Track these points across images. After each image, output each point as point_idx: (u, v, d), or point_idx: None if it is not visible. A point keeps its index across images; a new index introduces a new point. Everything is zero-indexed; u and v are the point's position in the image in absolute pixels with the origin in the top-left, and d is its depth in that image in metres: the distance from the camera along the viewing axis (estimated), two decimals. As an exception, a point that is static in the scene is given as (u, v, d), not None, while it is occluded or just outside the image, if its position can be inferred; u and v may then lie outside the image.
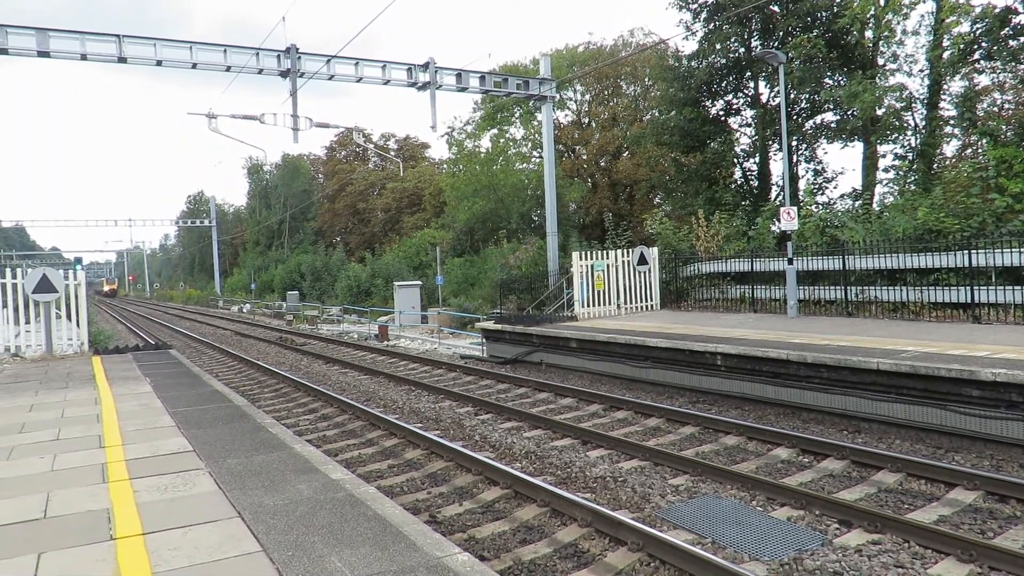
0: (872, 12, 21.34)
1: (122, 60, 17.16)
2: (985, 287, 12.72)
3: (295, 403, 12.51)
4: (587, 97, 39.10)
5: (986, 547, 5.14)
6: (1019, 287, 12.37)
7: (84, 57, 16.83)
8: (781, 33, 24.34)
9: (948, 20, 19.37)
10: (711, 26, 25.87)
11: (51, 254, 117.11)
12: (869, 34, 23.22)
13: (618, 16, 71.40)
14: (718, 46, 26.04)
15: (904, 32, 22.30)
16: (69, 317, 16.16)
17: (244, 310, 47.13)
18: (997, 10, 18.49)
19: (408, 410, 11.28)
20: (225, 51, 18.39)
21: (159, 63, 17.69)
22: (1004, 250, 12.59)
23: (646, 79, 35.86)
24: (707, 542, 5.67)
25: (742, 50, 26.00)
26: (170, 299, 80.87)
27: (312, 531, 4.56)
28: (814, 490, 6.72)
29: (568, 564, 5.44)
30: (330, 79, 19.72)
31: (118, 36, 17.02)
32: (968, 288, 12.79)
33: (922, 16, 26.02)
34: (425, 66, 20.14)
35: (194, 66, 18.10)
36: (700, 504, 6.52)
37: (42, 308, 14.74)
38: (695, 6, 26.33)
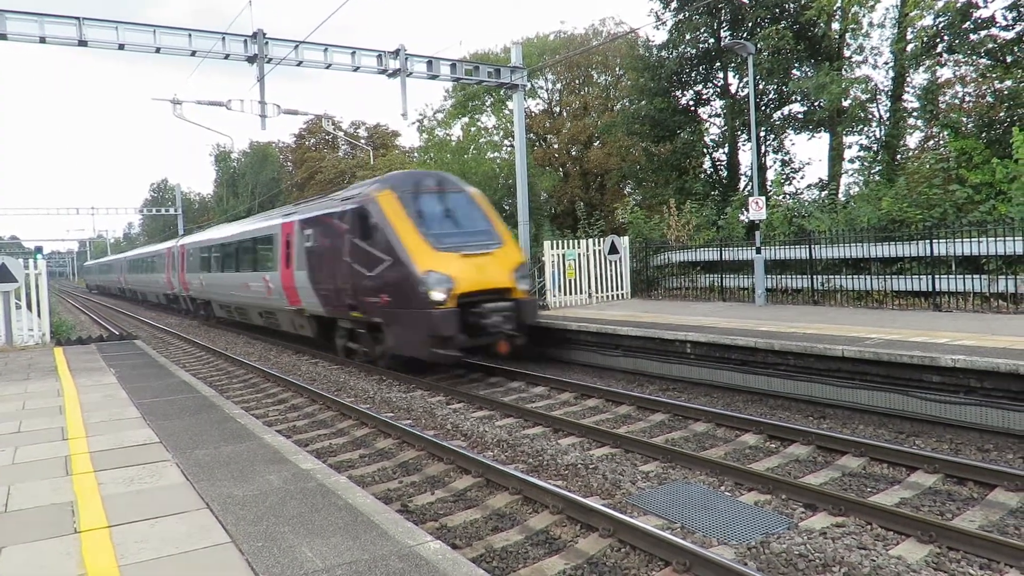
0: (839, 4, 21.63)
1: (82, 43, 16.69)
2: (946, 276, 13.03)
3: (264, 393, 12.37)
4: (558, 86, 39.06)
5: (945, 528, 5.30)
6: (979, 276, 12.70)
7: (43, 40, 16.33)
8: (750, 24, 24.56)
9: (912, 13, 19.71)
10: (681, 16, 25.99)
11: (10, 243, 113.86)
12: (836, 26, 23.55)
13: (589, 4, 71.48)
14: (688, 36, 26.19)
15: (870, 25, 22.68)
16: (30, 307, 15.76)
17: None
18: (959, 4, 18.86)
19: (379, 400, 11.23)
20: (190, 35, 17.98)
21: (121, 47, 17.24)
22: (964, 240, 12.90)
23: (617, 68, 35.94)
24: (677, 527, 5.75)
25: (712, 40, 26.19)
26: (135, 289, 79.09)
27: (282, 521, 4.53)
28: (781, 475, 6.84)
29: (540, 551, 5.48)
30: (298, 65, 19.40)
31: (78, 18, 16.54)
32: (930, 277, 13.09)
33: (887, 9, 26.45)
34: (395, 53, 19.93)
35: (158, 50, 17.68)
36: (670, 490, 6.61)
37: (1, 298, 14.35)
38: (665, -5, 26.44)
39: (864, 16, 22.23)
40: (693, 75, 27.59)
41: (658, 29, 27.50)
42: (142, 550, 4.12)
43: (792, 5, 23.88)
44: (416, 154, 48.30)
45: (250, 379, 13.89)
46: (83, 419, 7.68)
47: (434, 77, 21.32)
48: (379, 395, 11.56)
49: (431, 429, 9.24)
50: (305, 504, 4.87)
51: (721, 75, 27.62)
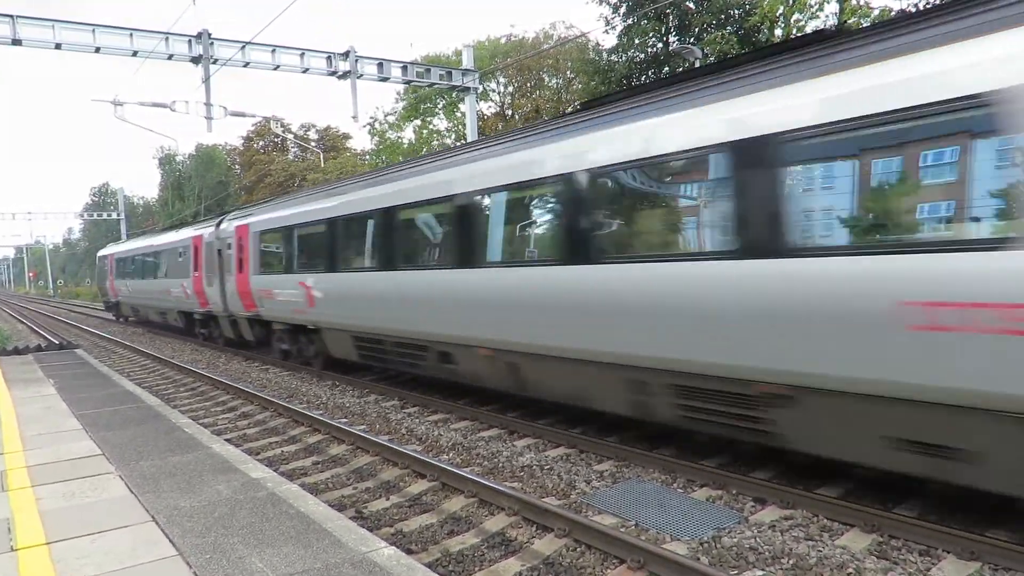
0: (781, 11, 22.24)
1: (16, 43, 16.10)
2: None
3: (213, 401, 12.07)
4: (510, 89, 39.25)
5: (886, 517, 5.49)
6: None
7: (-28, 38, 15.69)
8: (697, 29, 25.07)
9: (850, 21, 20.39)
10: (630, 21, 26.38)
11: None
12: (779, 32, 24.20)
13: (540, 8, 72.21)
14: (637, 41, 26.59)
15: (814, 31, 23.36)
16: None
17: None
18: (893, 12, 19.60)
19: (332, 405, 11.08)
20: (131, 35, 17.49)
21: (58, 46, 16.68)
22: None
23: (568, 72, 36.27)
24: (631, 525, 5.82)
25: (660, 45, 26.64)
26: (76, 296, 76.58)
27: (231, 532, 4.44)
28: (731, 471, 6.98)
29: (496, 553, 5.48)
30: (245, 66, 19.05)
31: (12, 16, 15.94)
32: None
33: (827, 17, 27.30)
34: (345, 55, 19.74)
35: (97, 50, 17.15)
36: (624, 488, 6.68)
37: (-71, 308, 13.71)
38: (614, 1, 26.81)
39: (805, 23, 22.91)
40: (643, 79, 28.00)
41: (607, 33, 27.88)
42: (84, 566, 3.99)
43: (737, 11, 24.45)
44: (368, 156, 47.90)
45: (198, 387, 13.54)
46: (20, 432, 7.39)
47: (385, 79, 21.20)
48: (332, 401, 11.41)
49: (385, 434, 9.16)
50: (255, 514, 4.78)
51: (670, 79, 28.14)
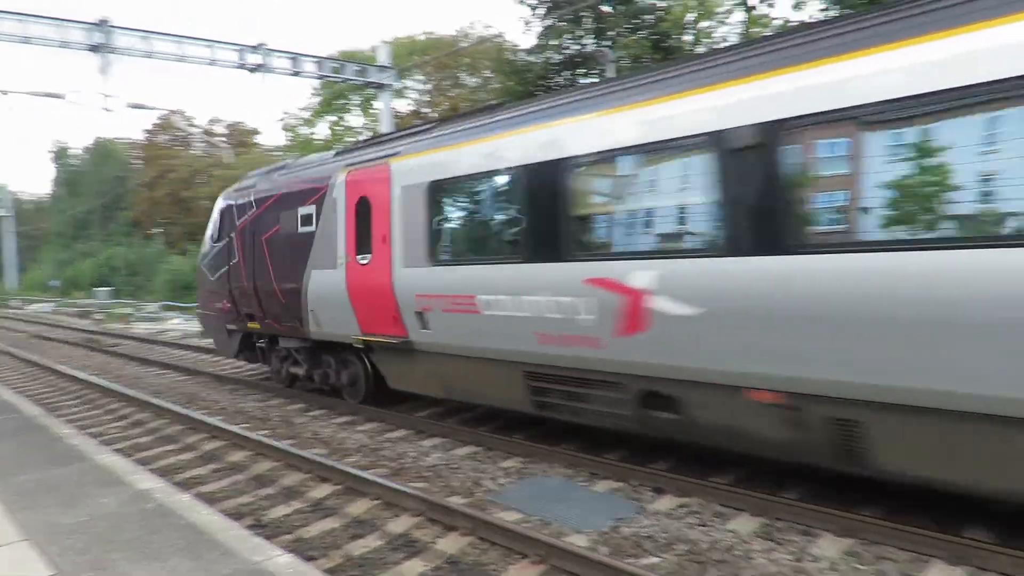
0: (692, 17, 23.09)
1: None
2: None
3: (103, 410, 11.36)
4: (428, 87, 39.01)
5: (774, 502, 5.78)
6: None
7: None
8: (613, 33, 25.65)
9: (753, 30, 21.37)
10: (548, 22, 26.71)
11: None
12: (689, 38, 25.08)
13: (458, 7, 71.94)
14: (554, 42, 26.95)
15: (723, 38, 24.38)
16: None
17: (45, 310, 42.31)
18: (792, 24, 20.66)
19: (233, 411, 10.69)
20: (21, 20, 16.39)
21: (-69, 30, 15.45)
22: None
23: (485, 71, 36.37)
24: (534, 520, 5.89)
25: (577, 47, 27.09)
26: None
27: (114, 547, 4.24)
28: (631, 463, 7.16)
29: (399, 555, 5.44)
30: (149, 57, 18.20)
31: None
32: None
33: (732, 25, 28.51)
34: (256, 47, 19.15)
35: (-23, 35, 15.99)
36: (529, 484, 6.76)
37: None
38: (533, 1, 27.08)
39: (714, 30, 23.89)
40: (559, 79, 28.37)
41: (525, 33, 28.19)
42: (-57, 591, 3.71)
43: (650, 17, 25.16)
44: (280, 152, 46.58)
45: (86, 395, 12.73)
46: None
47: (297, 74, 20.75)
48: (233, 405, 11.02)
49: (288, 438, 8.90)
50: (142, 527, 4.58)
51: (586, 80, 28.61)
